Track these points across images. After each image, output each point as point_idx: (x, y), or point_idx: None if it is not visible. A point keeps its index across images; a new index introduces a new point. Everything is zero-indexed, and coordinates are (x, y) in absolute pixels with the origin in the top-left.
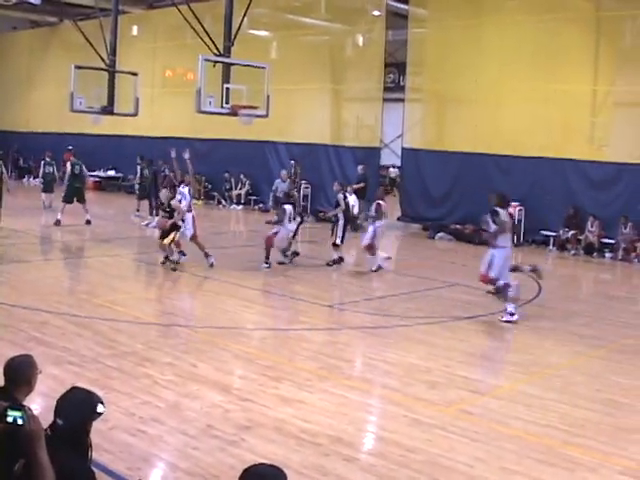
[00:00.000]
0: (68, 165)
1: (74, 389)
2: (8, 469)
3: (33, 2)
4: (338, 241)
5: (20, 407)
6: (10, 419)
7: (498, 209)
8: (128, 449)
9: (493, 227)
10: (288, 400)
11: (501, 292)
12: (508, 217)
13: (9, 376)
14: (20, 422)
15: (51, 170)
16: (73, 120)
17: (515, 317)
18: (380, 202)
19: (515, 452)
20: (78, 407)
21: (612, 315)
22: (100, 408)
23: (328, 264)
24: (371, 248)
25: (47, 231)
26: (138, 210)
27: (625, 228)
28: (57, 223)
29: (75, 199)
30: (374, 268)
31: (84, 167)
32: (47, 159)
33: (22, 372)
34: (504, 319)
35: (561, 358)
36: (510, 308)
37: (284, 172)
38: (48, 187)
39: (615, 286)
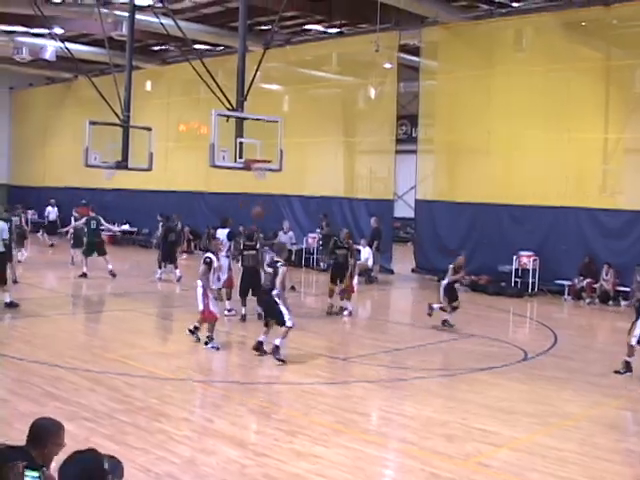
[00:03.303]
0: (83, 220)
1: (76, 454)
2: None
3: (48, 59)
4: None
5: (37, 467)
6: (28, 479)
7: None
8: None
9: None
10: (304, 455)
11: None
12: None
13: (29, 435)
14: None
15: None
16: (88, 175)
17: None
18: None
19: None
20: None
21: None
22: (107, 464)
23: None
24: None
25: (63, 286)
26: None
27: None
28: (84, 275)
29: (95, 253)
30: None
31: (102, 221)
32: (75, 214)
33: (39, 435)
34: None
35: (579, 408)
36: None
37: (286, 223)
38: (79, 242)
39: None
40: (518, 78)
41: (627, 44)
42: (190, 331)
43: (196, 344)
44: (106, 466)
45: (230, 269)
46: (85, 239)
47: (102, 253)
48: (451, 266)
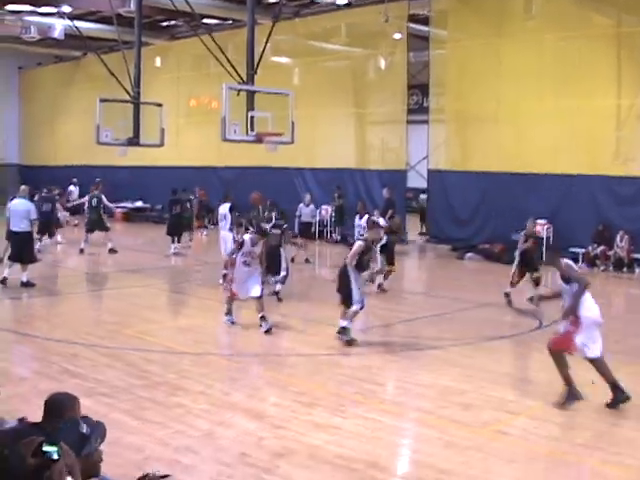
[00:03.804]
0: (86, 197)
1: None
2: None
3: (57, 37)
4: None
5: (55, 442)
6: (47, 454)
7: None
8: None
9: None
10: (322, 426)
11: None
12: None
13: (44, 411)
14: (55, 457)
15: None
16: (100, 152)
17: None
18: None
19: (552, 472)
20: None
21: None
22: (83, 428)
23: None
24: None
25: (79, 264)
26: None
27: None
28: (81, 251)
29: (97, 229)
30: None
31: (104, 198)
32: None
33: (54, 410)
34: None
35: (595, 376)
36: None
37: (308, 196)
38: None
39: None
40: (529, 46)
41: (638, 10)
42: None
43: (214, 319)
44: (84, 430)
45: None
46: (87, 216)
47: (103, 229)
48: (522, 233)
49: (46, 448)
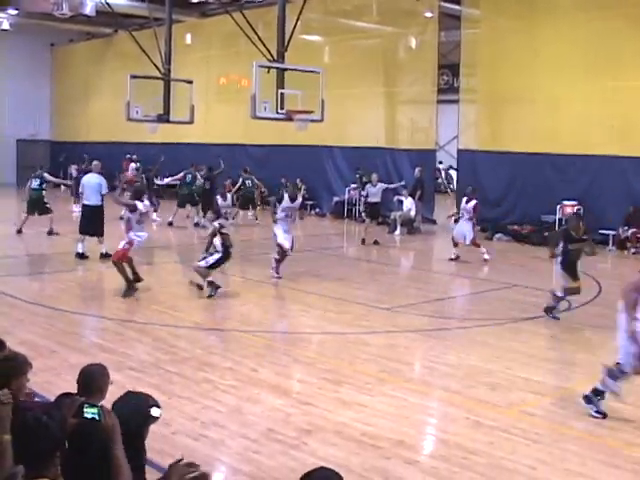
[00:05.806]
0: (182, 174)
1: (128, 394)
2: (81, 463)
3: (88, 14)
4: None
5: (95, 404)
6: (88, 415)
7: None
8: (191, 453)
9: None
10: (348, 403)
11: None
12: None
13: (82, 383)
14: (97, 418)
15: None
16: (131, 129)
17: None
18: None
19: (579, 454)
20: (132, 413)
21: None
22: (155, 412)
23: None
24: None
25: (110, 239)
26: (188, 217)
27: None
28: (169, 224)
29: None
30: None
31: (199, 176)
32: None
33: (94, 380)
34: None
35: None
36: None
37: (375, 176)
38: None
39: None
40: (562, 25)
41: None
42: None
43: (241, 296)
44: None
45: None
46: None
47: (194, 204)
48: None
49: (87, 410)
